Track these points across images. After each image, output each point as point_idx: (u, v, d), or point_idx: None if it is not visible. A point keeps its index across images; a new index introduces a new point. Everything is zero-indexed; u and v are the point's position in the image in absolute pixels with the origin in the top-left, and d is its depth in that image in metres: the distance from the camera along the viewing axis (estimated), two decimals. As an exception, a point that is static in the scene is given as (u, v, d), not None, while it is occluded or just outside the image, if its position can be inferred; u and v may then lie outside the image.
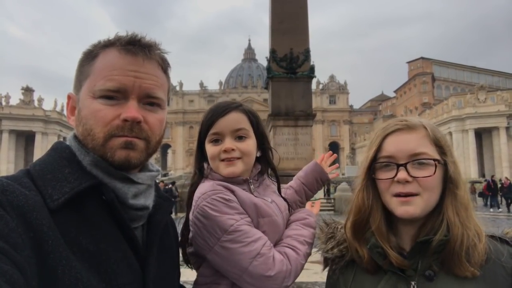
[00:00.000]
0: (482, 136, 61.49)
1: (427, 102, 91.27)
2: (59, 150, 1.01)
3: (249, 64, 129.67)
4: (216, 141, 1.44)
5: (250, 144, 1.46)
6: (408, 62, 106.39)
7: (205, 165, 1.50)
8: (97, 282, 0.85)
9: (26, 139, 61.01)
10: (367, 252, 1.20)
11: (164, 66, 1.09)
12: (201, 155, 1.51)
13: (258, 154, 1.53)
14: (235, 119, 1.45)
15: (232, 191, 1.37)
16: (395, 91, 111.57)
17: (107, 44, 1.03)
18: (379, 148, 1.21)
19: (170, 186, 23.60)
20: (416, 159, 1.15)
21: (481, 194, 27.50)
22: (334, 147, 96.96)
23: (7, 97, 59.71)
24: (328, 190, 31.26)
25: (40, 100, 61.65)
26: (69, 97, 1.09)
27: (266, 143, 1.57)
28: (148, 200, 1.06)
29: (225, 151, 1.41)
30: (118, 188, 0.98)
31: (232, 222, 1.28)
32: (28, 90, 61.51)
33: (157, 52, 1.06)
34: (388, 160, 1.18)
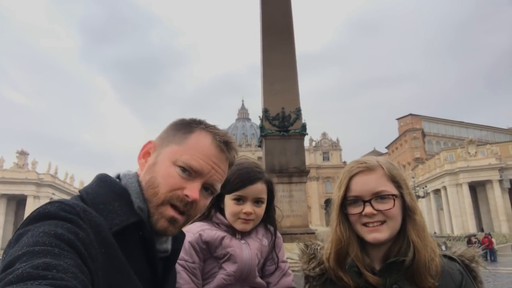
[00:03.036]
0: (477, 189, 61.54)
1: (419, 157, 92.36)
2: (109, 184, 1.13)
3: (243, 123, 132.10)
4: (238, 200, 1.74)
5: (263, 209, 1.80)
6: (398, 119, 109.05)
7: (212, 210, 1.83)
8: None
9: (17, 203, 59.99)
10: (349, 276, 1.43)
11: (231, 166, 1.28)
12: (215, 201, 1.79)
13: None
14: (259, 190, 1.77)
15: (202, 236, 1.71)
16: (386, 147, 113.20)
17: (205, 128, 1.21)
18: (346, 188, 1.45)
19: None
20: (378, 195, 1.39)
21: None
22: (330, 203, 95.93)
23: (1, 160, 59.63)
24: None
25: (34, 163, 61.61)
26: (150, 142, 1.24)
27: (273, 204, 1.89)
28: (169, 245, 1.23)
29: (245, 213, 1.72)
30: (152, 233, 1.13)
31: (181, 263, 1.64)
32: (22, 154, 61.69)
33: (234, 155, 1.26)
34: (356, 198, 1.42)
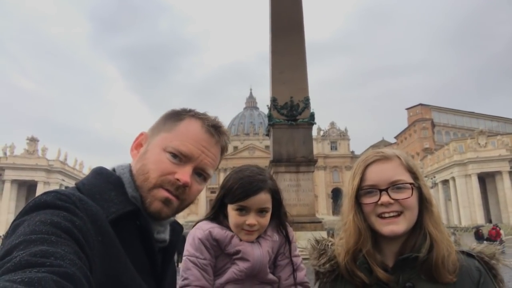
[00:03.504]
0: (486, 181, 61.07)
1: (428, 147, 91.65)
2: (105, 175, 1.15)
3: (250, 112, 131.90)
4: (241, 210, 1.69)
5: (268, 219, 1.74)
6: (407, 109, 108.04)
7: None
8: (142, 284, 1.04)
9: (27, 189, 60.94)
10: (358, 272, 1.37)
11: (223, 151, 1.29)
12: (219, 208, 1.79)
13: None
14: (263, 200, 1.70)
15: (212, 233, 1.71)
16: (395, 137, 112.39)
17: (194, 115, 1.22)
18: (362, 178, 1.40)
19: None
20: (395, 185, 1.35)
21: (488, 239, 26.91)
22: (337, 193, 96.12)
23: (12, 147, 60.45)
24: (332, 237, 30.55)
25: (44, 150, 62.28)
26: (141, 134, 1.27)
27: (282, 209, 1.82)
28: (167, 235, 1.24)
29: (249, 225, 1.68)
30: (149, 222, 1.13)
31: (186, 253, 1.67)
32: (33, 140, 62.39)
33: (224, 139, 1.26)
34: (371, 187, 1.37)
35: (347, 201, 1.44)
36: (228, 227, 1.74)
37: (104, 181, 1.12)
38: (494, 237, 26.56)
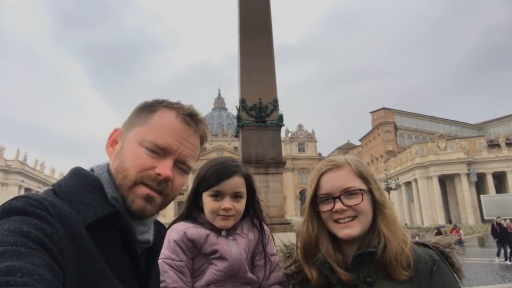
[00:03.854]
0: (446, 183, 63.69)
1: (391, 150, 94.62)
2: (82, 176, 1.09)
3: (219, 113, 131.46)
4: (216, 196, 1.68)
5: (243, 204, 1.73)
6: (371, 112, 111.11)
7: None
8: None
9: (-17, 191, 57.78)
10: (316, 271, 1.45)
11: (203, 140, 1.24)
12: (193, 200, 1.76)
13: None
14: (237, 183, 1.69)
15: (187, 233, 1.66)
16: (360, 140, 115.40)
17: (168, 105, 1.16)
18: (317, 186, 1.48)
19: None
20: (347, 192, 1.43)
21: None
22: (304, 194, 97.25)
23: (-35, 146, 57.19)
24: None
25: (1, 149, 59.34)
26: (115, 130, 1.20)
27: (255, 197, 1.82)
28: (150, 235, 1.19)
29: (224, 209, 1.65)
30: (130, 223, 1.09)
31: (162, 256, 1.58)
32: (-12, 140, 59.20)
33: (202, 128, 1.21)
34: (326, 195, 1.45)
35: (304, 209, 1.53)
36: (203, 224, 1.71)
37: (81, 183, 1.07)
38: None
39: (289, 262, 1.59)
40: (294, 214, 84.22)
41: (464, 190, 59.46)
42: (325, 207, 1.45)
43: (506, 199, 44.95)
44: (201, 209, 1.73)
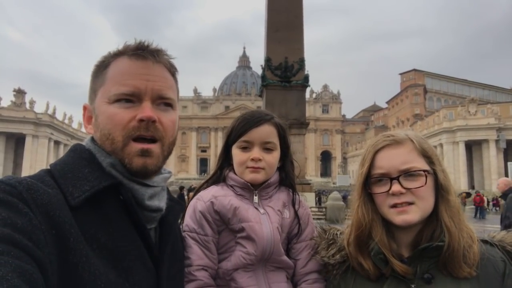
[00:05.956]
0: (472, 148, 62.15)
1: (419, 113, 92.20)
2: (78, 151, 1.05)
3: (243, 72, 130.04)
4: (245, 148, 1.53)
5: (275, 157, 1.55)
6: (401, 74, 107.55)
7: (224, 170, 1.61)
8: (115, 278, 0.89)
9: (16, 142, 60.36)
10: (371, 263, 1.27)
11: (171, 70, 1.13)
12: (225, 157, 1.61)
13: (279, 165, 1.60)
14: (267, 132, 1.53)
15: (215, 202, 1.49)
16: (387, 102, 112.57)
17: (117, 54, 1.08)
18: (371, 164, 1.30)
19: (182, 192, 22.12)
20: (407, 172, 1.22)
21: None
22: (326, 156, 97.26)
23: (-2, 98, 59.15)
24: (320, 199, 31.27)
25: (32, 103, 61.11)
26: (84, 108, 1.13)
27: (289, 155, 1.65)
28: (161, 202, 1.11)
29: (253, 159, 1.50)
30: (135, 189, 1.03)
31: (186, 228, 1.46)
32: (20, 92, 61.02)
33: (164, 57, 1.11)
34: (381, 176, 1.26)
35: (355, 189, 1.35)
36: (234, 187, 1.54)
37: (77, 158, 1.02)
38: (478, 203, 28.06)
39: (333, 250, 1.40)
40: (314, 175, 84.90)
41: (491, 156, 57.94)
42: (379, 189, 1.27)
43: (535, 167, 43.65)
44: (232, 167, 1.58)
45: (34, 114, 60.11)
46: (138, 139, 1.02)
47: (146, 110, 1.02)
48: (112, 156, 1.02)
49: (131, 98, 1.03)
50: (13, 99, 60.54)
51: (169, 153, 1.11)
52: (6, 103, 60.26)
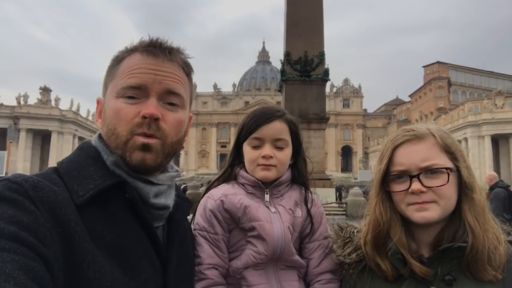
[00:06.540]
0: (499, 142, 60.30)
1: (443, 107, 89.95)
2: (85, 149, 1.05)
3: (263, 67, 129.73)
4: (256, 145, 1.50)
5: (287, 154, 1.52)
6: (424, 67, 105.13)
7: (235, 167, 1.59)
8: (121, 277, 0.89)
9: (42, 138, 62.10)
10: (389, 263, 1.21)
11: (186, 69, 1.11)
12: (235, 155, 1.60)
13: (291, 162, 1.57)
14: (278, 129, 1.50)
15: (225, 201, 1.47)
16: (410, 96, 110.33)
17: (132, 49, 1.07)
18: (390, 161, 1.22)
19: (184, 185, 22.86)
20: (428, 169, 1.15)
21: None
22: (346, 151, 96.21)
23: (25, 96, 60.89)
24: (340, 194, 30.98)
25: (57, 100, 62.65)
26: (98, 102, 1.13)
27: (301, 152, 1.62)
28: (168, 200, 1.10)
29: (264, 157, 1.48)
30: (140, 188, 1.02)
31: (196, 227, 1.46)
32: (45, 90, 62.67)
33: (179, 56, 1.09)
34: (401, 173, 1.19)
35: (373, 187, 1.29)
36: (245, 185, 1.52)
37: (83, 156, 1.03)
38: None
39: (349, 249, 1.35)
40: (335, 170, 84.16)
41: (520, 151, 56.24)
42: (398, 187, 1.20)
43: None
44: (243, 165, 1.56)
45: (59, 111, 61.67)
46: (141, 135, 1.02)
47: (150, 107, 1.01)
48: (115, 154, 1.01)
49: (137, 93, 1.02)
50: (39, 96, 62.24)
51: (173, 152, 1.09)
52: (33, 101, 62.06)
